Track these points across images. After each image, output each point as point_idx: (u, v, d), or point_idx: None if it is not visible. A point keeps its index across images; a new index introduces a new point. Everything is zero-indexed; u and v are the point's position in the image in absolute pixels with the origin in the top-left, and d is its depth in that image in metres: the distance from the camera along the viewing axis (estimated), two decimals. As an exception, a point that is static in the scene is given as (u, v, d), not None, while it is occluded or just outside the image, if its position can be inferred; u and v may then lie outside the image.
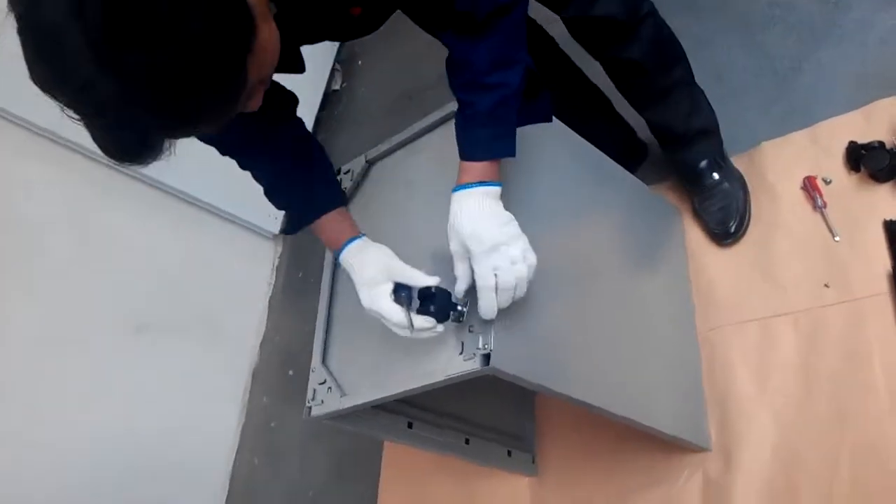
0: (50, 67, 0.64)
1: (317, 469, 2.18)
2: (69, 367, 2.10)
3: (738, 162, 1.56)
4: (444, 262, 1.10)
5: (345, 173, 1.44)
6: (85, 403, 2.12)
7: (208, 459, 2.42)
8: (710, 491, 1.31)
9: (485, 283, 0.94)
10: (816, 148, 1.46)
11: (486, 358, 0.98)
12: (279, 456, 2.34)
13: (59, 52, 0.62)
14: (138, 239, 2.33)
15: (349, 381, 1.25)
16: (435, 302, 0.98)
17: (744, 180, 1.52)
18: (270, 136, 1.14)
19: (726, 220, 1.49)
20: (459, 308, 1.00)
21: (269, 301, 2.71)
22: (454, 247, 0.98)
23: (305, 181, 1.17)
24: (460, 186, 0.97)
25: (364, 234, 1.13)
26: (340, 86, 2.95)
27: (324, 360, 1.31)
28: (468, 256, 0.96)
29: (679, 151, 1.54)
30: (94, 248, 2.21)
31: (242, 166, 1.18)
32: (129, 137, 0.70)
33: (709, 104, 1.49)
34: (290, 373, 2.44)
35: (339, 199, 1.18)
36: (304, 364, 1.29)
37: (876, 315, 1.23)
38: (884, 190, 1.32)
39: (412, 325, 0.99)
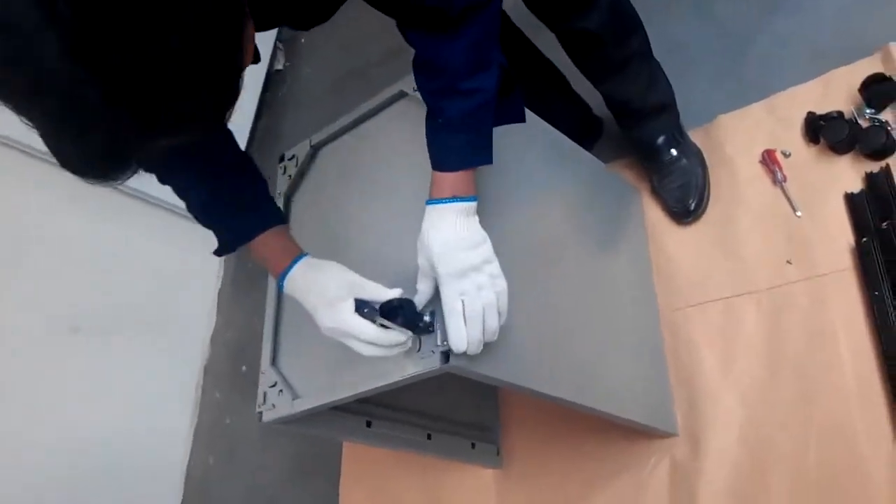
0: (25, 77, 0.54)
1: (275, 467, 2.10)
2: (2, 374, 1.97)
3: (695, 136, 1.52)
4: (396, 256, 1.06)
5: (289, 160, 1.36)
6: (25, 411, 2.01)
7: (161, 460, 2.33)
8: (678, 476, 1.28)
9: (451, 307, 0.88)
10: (774, 120, 1.43)
11: (445, 356, 0.93)
12: (235, 454, 2.25)
13: (35, 60, 0.53)
14: (74, 233, 2.19)
15: (301, 382, 1.18)
16: (401, 314, 0.92)
17: (702, 156, 1.49)
18: (203, 150, 1.03)
19: (685, 198, 1.46)
20: (426, 319, 0.94)
21: (219, 293, 2.61)
22: (422, 262, 0.92)
23: (241, 198, 1.05)
24: (433, 201, 0.91)
25: (308, 254, 1.02)
26: (283, 65, 2.82)
27: (274, 361, 1.24)
28: (434, 276, 0.91)
29: (636, 127, 1.50)
30: (23, 245, 2.07)
31: (178, 190, 1.05)
32: (103, 148, 0.60)
33: (666, 78, 1.45)
34: (244, 368, 2.35)
35: (278, 216, 1.06)
36: (257, 358, 1.22)
37: (840, 291, 1.20)
38: (844, 162, 1.30)
39: (382, 341, 0.92)
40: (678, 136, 1.49)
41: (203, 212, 1.05)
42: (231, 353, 2.46)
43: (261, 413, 1.20)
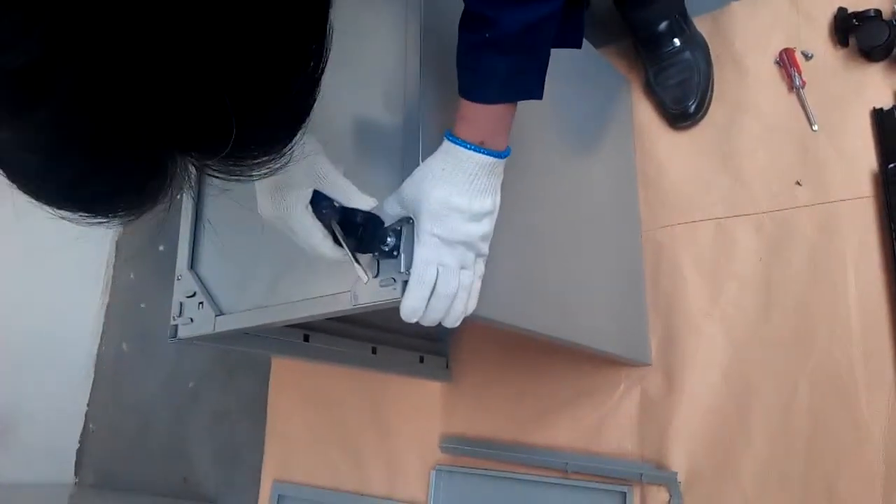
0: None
1: (197, 357, 1.93)
2: None
3: (700, 24, 1.31)
4: (361, 136, 0.86)
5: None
6: None
7: (67, 344, 2.11)
8: (649, 410, 1.18)
9: (422, 274, 0.71)
10: (797, 13, 1.22)
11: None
12: (152, 341, 2.05)
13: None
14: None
15: (227, 293, 0.99)
16: (356, 235, 0.73)
17: (708, 50, 1.28)
18: None
19: (685, 98, 1.26)
20: (390, 241, 0.75)
21: (132, 161, 2.30)
22: (407, 194, 0.72)
23: None
24: (457, 140, 0.71)
25: None
26: None
27: (192, 265, 1.03)
28: (411, 218, 0.73)
29: (636, 7, 1.27)
30: None
31: None
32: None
33: None
34: (161, 248, 2.11)
35: None
36: (177, 238, 1.03)
37: (855, 222, 1.06)
38: (875, 71, 1.12)
39: (330, 256, 0.74)
40: (683, 24, 1.28)
41: None
42: (146, 228, 2.20)
43: (175, 326, 1.01)
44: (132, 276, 2.19)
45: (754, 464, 1.06)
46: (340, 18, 0.93)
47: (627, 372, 1.21)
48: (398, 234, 0.75)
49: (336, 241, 0.74)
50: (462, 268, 0.72)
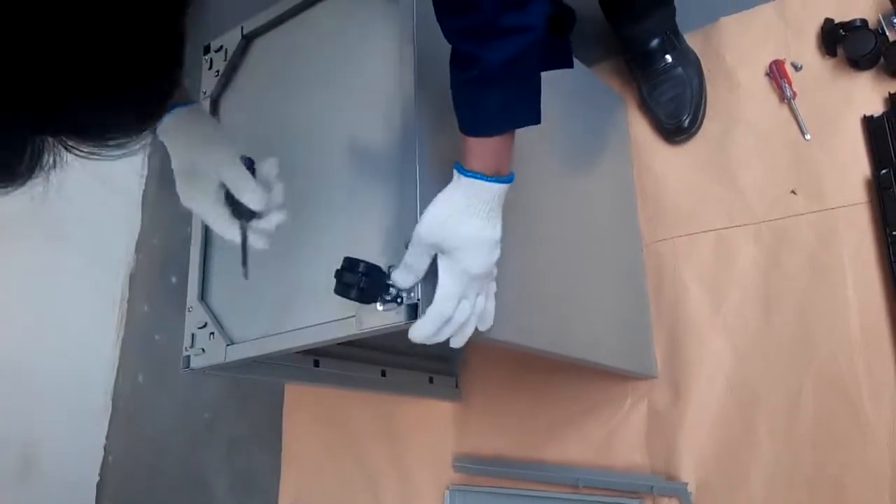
0: None
1: (211, 386, 1.95)
2: None
3: (692, 40, 1.33)
4: (343, 166, 0.90)
5: (216, 52, 1.13)
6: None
7: (84, 378, 2.14)
8: (656, 422, 1.18)
9: (442, 308, 0.73)
10: (785, 25, 1.24)
11: (413, 309, 0.77)
12: (167, 372, 2.08)
13: None
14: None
15: (236, 322, 1.02)
16: (361, 285, 0.74)
17: (700, 64, 1.31)
18: None
19: (678, 112, 1.28)
20: (392, 290, 0.77)
21: (143, 195, 2.34)
22: (434, 237, 0.73)
23: None
24: (474, 174, 0.72)
25: (197, 103, 0.85)
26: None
27: (203, 296, 1.06)
28: (437, 258, 0.75)
29: (627, 24, 1.30)
30: None
31: None
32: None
33: None
34: (174, 279, 2.14)
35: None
36: (188, 269, 1.06)
37: (851, 228, 1.08)
38: (864, 79, 1.14)
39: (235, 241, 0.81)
40: (674, 40, 1.30)
41: None
42: (159, 261, 2.24)
43: (188, 357, 1.03)
44: (146, 308, 2.22)
45: (763, 471, 1.06)
46: (334, 38, 0.97)
47: (634, 385, 1.22)
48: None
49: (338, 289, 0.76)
50: (478, 295, 0.75)
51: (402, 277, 0.75)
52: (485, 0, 0.65)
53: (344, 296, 0.75)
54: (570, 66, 0.87)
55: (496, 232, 0.74)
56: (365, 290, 0.74)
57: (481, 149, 0.72)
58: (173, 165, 0.82)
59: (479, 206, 0.73)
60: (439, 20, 0.72)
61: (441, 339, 0.75)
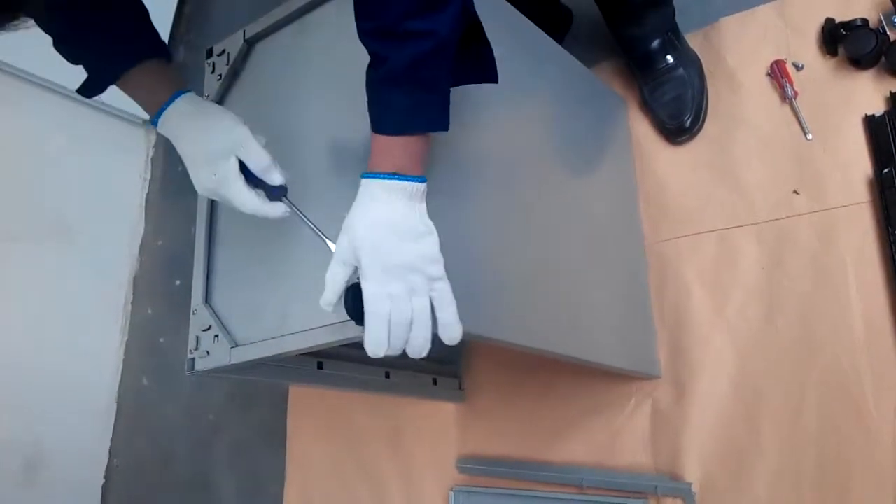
0: None
1: (216, 389, 1.96)
2: None
3: (692, 41, 1.34)
4: (343, 169, 0.90)
5: (218, 55, 1.13)
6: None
7: (89, 381, 2.15)
8: (660, 422, 1.18)
9: (375, 308, 0.71)
10: (786, 26, 1.24)
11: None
12: (171, 375, 2.09)
13: None
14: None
15: (241, 324, 1.02)
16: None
17: (701, 65, 1.31)
18: None
19: (680, 113, 1.29)
20: None
21: (146, 199, 2.35)
22: (342, 244, 0.74)
23: (108, 24, 0.85)
24: (371, 175, 0.73)
25: (192, 90, 0.86)
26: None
27: (207, 298, 1.06)
28: (355, 265, 0.73)
29: (627, 26, 1.30)
30: None
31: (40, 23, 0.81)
32: None
33: None
34: (178, 282, 2.15)
35: (157, 49, 0.87)
36: (192, 271, 1.06)
37: (853, 227, 1.08)
38: (865, 78, 1.14)
39: (263, 213, 0.82)
40: (675, 40, 1.31)
41: (66, 44, 0.85)
42: (162, 264, 2.25)
43: (193, 360, 1.04)
44: (150, 311, 2.23)
45: (767, 471, 1.06)
46: (335, 41, 0.97)
47: (638, 385, 1.22)
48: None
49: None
50: (412, 294, 0.71)
51: (325, 297, 0.75)
52: (393, 5, 0.68)
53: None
54: (495, 81, 0.84)
55: (403, 225, 0.72)
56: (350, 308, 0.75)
57: (386, 148, 0.73)
58: (183, 154, 0.83)
59: (378, 204, 0.72)
60: (356, 22, 0.74)
61: (397, 346, 0.72)
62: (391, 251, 0.71)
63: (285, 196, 0.82)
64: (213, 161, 0.80)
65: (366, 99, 0.76)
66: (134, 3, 0.87)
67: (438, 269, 0.73)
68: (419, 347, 0.73)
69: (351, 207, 0.74)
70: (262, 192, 0.82)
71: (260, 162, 0.80)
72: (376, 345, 0.72)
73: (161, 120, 0.84)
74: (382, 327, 0.71)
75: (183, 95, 0.84)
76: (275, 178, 0.81)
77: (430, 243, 0.73)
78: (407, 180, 0.73)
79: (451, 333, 0.73)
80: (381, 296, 0.71)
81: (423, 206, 0.74)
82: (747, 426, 1.09)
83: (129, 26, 0.86)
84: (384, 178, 0.72)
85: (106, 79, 0.86)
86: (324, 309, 0.76)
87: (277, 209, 0.81)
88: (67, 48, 0.85)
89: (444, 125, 0.74)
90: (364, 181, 0.74)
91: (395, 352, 0.73)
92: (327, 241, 0.79)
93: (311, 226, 0.81)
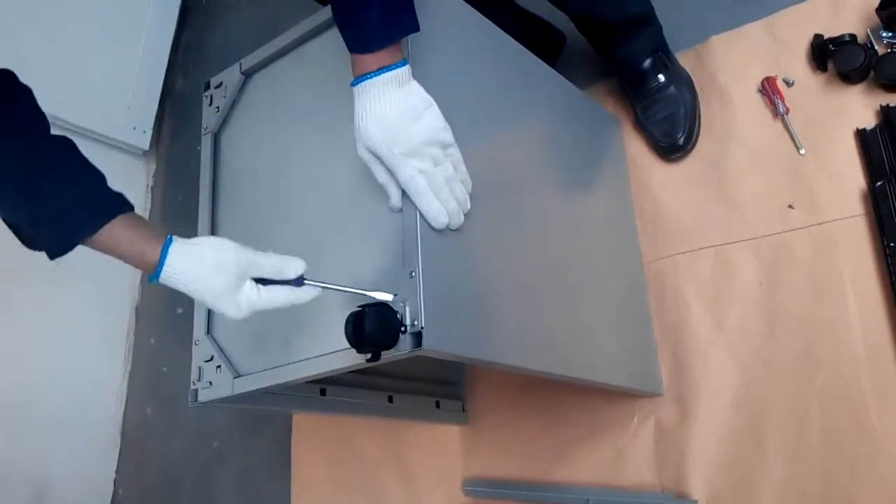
0: None
1: (219, 416, 1.95)
2: None
3: (684, 60, 1.35)
4: (342, 198, 0.93)
5: (216, 88, 1.15)
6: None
7: (93, 411, 2.15)
8: (664, 440, 1.18)
9: (414, 188, 0.81)
10: (775, 42, 1.26)
11: (417, 338, 0.78)
12: (175, 404, 2.09)
13: None
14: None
15: (242, 355, 1.03)
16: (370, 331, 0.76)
17: (692, 83, 1.32)
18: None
19: (673, 131, 1.30)
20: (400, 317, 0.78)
21: (147, 228, 2.36)
22: (363, 153, 0.83)
23: (70, 176, 0.83)
24: (358, 80, 0.80)
25: (172, 236, 0.82)
26: (209, -34, 2.48)
27: (209, 329, 1.07)
28: (382, 162, 0.82)
29: (616, 48, 1.31)
30: None
31: None
32: None
33: None
34: (179, 311, 2.16)
35: (123, 200, 0.85)
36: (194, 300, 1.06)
37: (849, 240, 1.08)
38: (855, 93, 1.15)
39: (302, 301, 0.83)
40: (665, 59, 1.32)
41: (11, 212, 0.83)
42: (164, 293, 2.24)
43: (196, 391, 1.04)
44: (153, 340, 2.24)
45: (772, 485, 1.06)
46: (330, 71, 0.99)
47: (640, 403, 1.22)
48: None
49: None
50: (436, 163, 0.81)
51: (392, 199, 0.83)
52: None
53: (359, 348, 0.77)
54: (417, 29, 0.85)
55: (406, 105, 0.79)
56: (380, 329, 0.76)
57: (366, 59, 0.79)
58: (202, 300, 0.80)
59: (376, 102, 0.79)
60: None
61: (452, 208, 0.82)
62: (407, 135, 0.79)
63: (304, 278, 0.82)
64: (232, 293, 0.79)
65: None
66: (78, 151, 0.86)
67: (448, 134, 0.82)
68: (464, 200, 0.84)
69: (355, 117, 0.80)
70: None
71: (275, 272, 0.80)
72: (436, 216, 0.81)
73: (162, 278, 0.80)
74: (431, 198, 0.80)
75: (171, 247, 0.80)
76: (291, 273, 0.81)
77: (433, 115, 0.81)
78: (392, 70, 0.79)
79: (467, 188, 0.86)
80: (414, 176, 0.80)
81: (414, 82, 0.81)
82: (752, 442, 1.09)
83: (94, 176, 0.85)
84: (373, 76, 0.79)
85: (69, 242, 0.85)
86: (394, 205, 0.84)
87: (308, 293, 0.82)
88: (29, 206, 0.82)
89: (416, 26, 0.81)
90: (356, 88, 0.80)
91: (455, 216, 0.83)
92: (367, 294, 0.80)
93: (342, 289, 0.82)
